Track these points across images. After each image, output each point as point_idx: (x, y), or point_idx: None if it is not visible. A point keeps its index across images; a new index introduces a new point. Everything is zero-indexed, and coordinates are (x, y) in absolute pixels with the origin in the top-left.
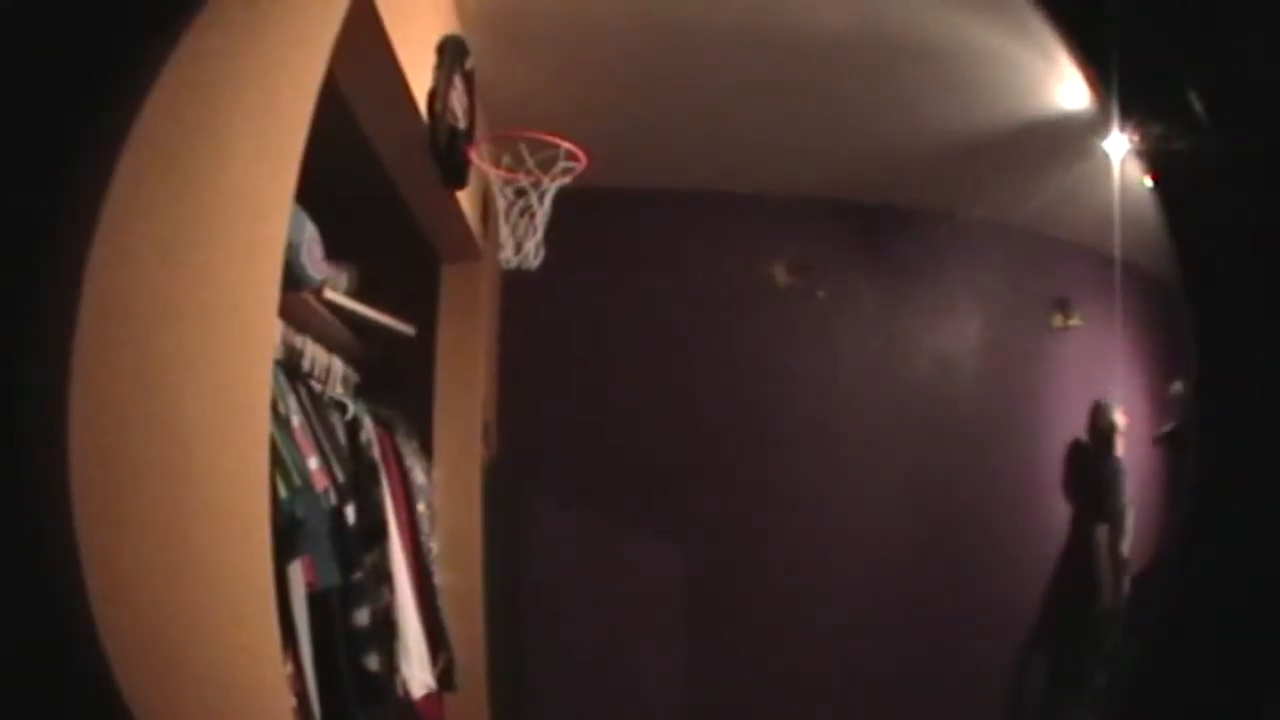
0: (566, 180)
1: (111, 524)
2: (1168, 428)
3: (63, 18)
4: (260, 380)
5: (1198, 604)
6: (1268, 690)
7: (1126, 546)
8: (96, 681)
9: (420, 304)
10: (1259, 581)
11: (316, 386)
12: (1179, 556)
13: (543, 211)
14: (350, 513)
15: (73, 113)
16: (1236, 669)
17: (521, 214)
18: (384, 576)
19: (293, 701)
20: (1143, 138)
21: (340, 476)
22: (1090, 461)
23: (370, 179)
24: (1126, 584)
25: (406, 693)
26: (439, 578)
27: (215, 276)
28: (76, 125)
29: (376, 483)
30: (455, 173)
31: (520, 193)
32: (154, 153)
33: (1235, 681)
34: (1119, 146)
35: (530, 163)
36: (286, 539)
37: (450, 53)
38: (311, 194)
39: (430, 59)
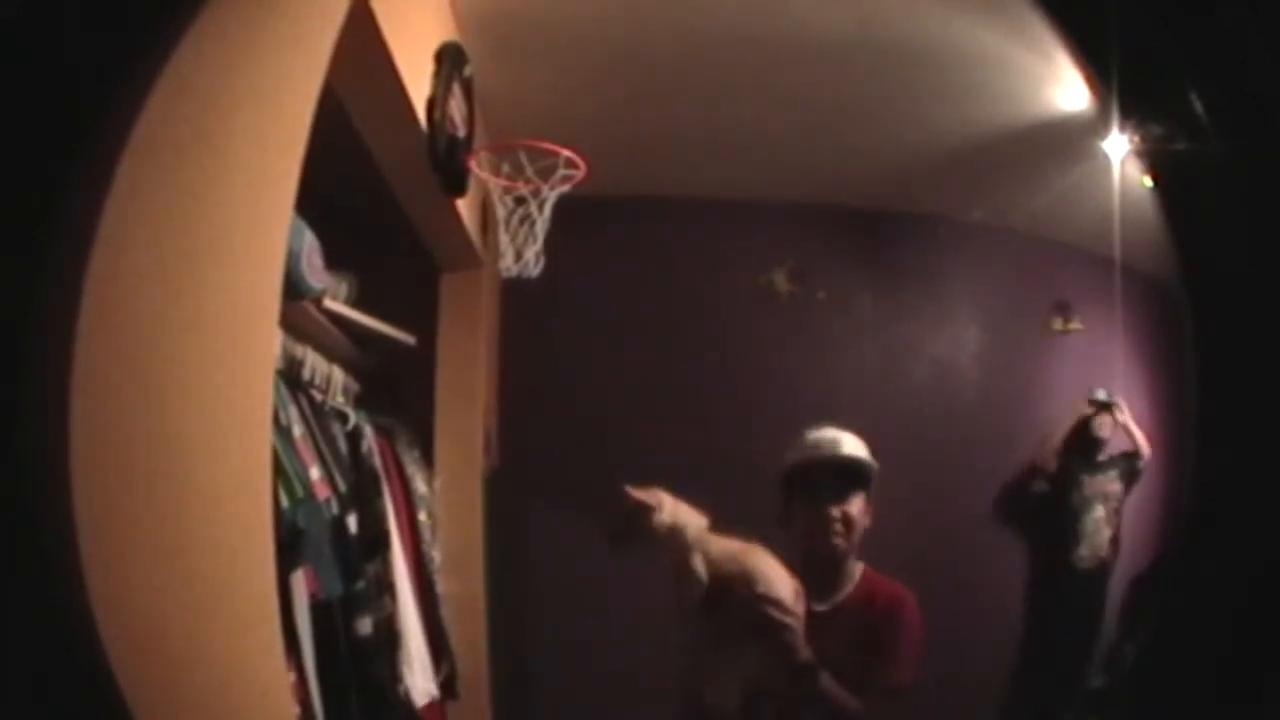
0: (566, 188)
1: (113, 535)
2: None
3: (58, 27)
4: (261, 390)
5: (1198, 604)
6: (1267, 689)
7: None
8: (100, 692)
9: (420, 313)
10: (1259, 581)
11: (317, 396)
12: (1179, 556)
13: (542, 220)
14: (352, 522)
15: (69, 122)
16: (1236, 668)
17: (521, 222)
18: (386, 586)
19: (296, 710)
20: (1143, 138)
21: (342, 486)
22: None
23: (369, 188)
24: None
25: (409, 701)
26: (441, 586)
27: (215, 286)
28: (73, 134)
29: (378, 492)
30: (454, 181)
31: (520, 201)
32: (151, 162)
33: (1234, 681)
34: (1119, 147)
35: (530, 171)
36: (289, 549)
37: (449, 60)
38: (310, 203)
39: (429, 67)
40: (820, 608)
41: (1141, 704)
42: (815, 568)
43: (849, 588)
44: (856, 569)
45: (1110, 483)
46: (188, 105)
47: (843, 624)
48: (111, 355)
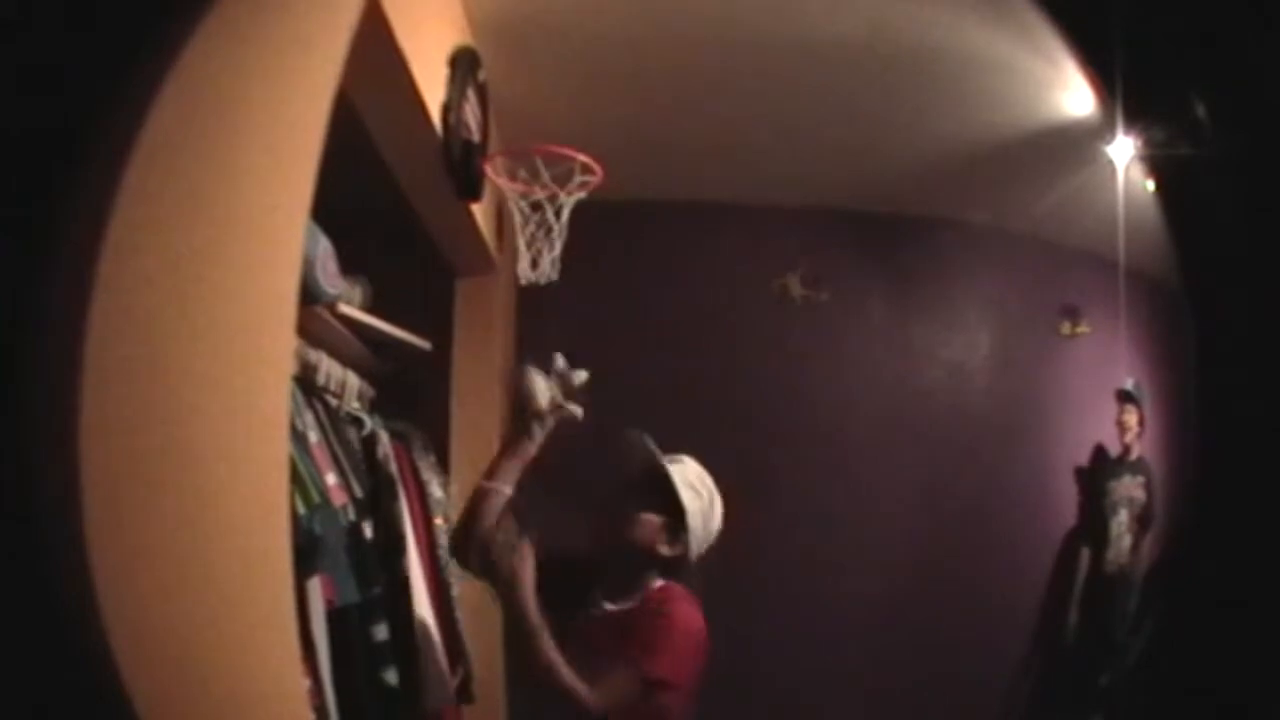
0: (583, 194)
1: (127, 544)
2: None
3: (63, 27)
4: (278, 397)
5: (1199, 604)
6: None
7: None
8: (112, 701)
9: (435, 318)
10: (1259, 581)
11: (333, 402)
12: (1179, 557)
13: (559, 225)
14: (368, 528)
15: (77, 124)
16: (1237, 668)
17: (538, 228)
18: (402, 591)
19: (311, 717)
20: (1147, 143)
21: (358, 492)
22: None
23: (384, 192)
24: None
25: (425, 706)
26: (456, 591)
27: (231, 293)
28: (81, 137)
29: (394, 498)
30: (470, 186)
31: (536, 206)
32: (163, 166)
33: (1236, 681)
34: (1124, 152)
35: (545, 176)
36: (305, 555)
37: (463, 65)
38: (325, 208)
39: (443, 72)
40: (612, 608)
41: (1143, 701)
42: (619, 568)
43: (645, 593)
44: (657, 580)
45: (1135, 487)
46: (200, 109)
47: (623, 621)
48: (123, 365)
